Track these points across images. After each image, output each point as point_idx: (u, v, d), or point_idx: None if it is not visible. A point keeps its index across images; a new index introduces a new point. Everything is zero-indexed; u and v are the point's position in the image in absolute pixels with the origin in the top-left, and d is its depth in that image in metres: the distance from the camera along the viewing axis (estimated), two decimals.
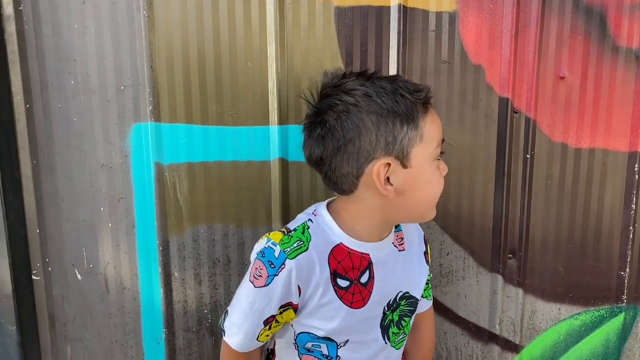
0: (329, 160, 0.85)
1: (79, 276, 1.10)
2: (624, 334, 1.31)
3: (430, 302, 1.09)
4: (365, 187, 0.85)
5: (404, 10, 1.10)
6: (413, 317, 1.01)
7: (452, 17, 1.12)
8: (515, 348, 1.28)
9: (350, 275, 0.89)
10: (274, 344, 1.00)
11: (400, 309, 0.96)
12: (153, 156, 1.07)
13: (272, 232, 0.90)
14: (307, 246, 0.87)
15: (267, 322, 0.88)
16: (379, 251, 0.91)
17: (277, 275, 0.85)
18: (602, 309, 1.29)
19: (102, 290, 1.11)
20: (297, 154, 1.12)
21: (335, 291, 0.88)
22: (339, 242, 0.89)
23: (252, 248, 1.13)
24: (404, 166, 0.84)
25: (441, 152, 0.90)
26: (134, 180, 1.08)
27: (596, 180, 1.23)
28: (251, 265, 0.89)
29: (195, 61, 1.05)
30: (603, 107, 1.19)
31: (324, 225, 0.90)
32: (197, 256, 1.12)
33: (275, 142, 1.10)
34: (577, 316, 1.29)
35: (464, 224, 1.21)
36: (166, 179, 1.08)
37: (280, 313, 0.88)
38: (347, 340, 0.92)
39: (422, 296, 1.02)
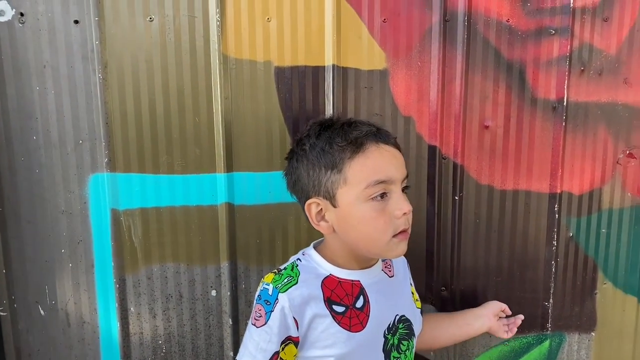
0: (295, 197, 1.02)
1: (42, 312, 1.20)
2: (550, 358, 1.42)
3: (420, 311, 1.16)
4: (318, 228, 0.98)
5: (338, 70, 1.20)
6: (412, 341, 1.07)
7: (383, 74, 1.23)
8: None
9: (345, 301, 0.97)
10: None
11: (399, 332, 1.04)
12: (109, 203, 1.17)
13: (266, 275, 0.98)
14: (296, 280, 0.95)
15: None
16: (368, 277, 1.01)
17: (273, 311, 0.92)
18: (529, 336, 1.40)
19: (63, 324, 1.21)
20: (242, 198, 1.23)
21: (333, 316, 0.95)
22: (328, 273, 0.98)
23: (202, 284, 1.25)
24: (334, 205, 0.95)
25: (404, 188, 0.98)
26: (92, 225, 1.18)
27: (520, 218, 1.34)
28: (252, 311, 0.97)
29: (147, 117, 1.15)
30: (525, 152, 1.31)
31: (312, 262, 1.00)
32: (152, 292, 1.22)
33: (223, 187, 1.20)
34: (507, 343, 1.39)
35: None
36: (122, 223, 1.18)
37: (283, 349, 0.93)
38: None
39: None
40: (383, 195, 0.94)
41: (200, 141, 1.18)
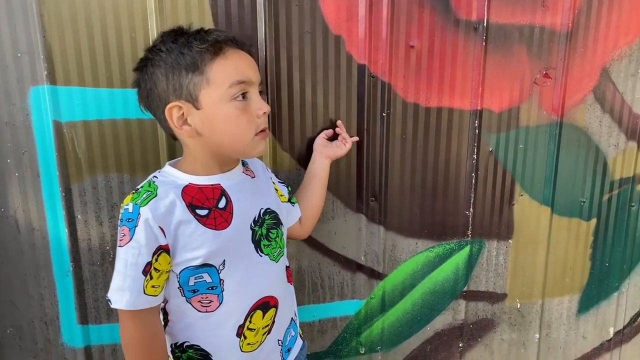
0: (148, 109, 1.03)
1: None
2: (471, 263, 1.56)
3: (298, 205, 1.27)
4: (180, 132, 1.01)
5: None
6: (280, 229, 1.15)
7: None
8: (379, 276, 1.52)
9: (207, 204, 1.02)
10: (165, 304, 1.05)
11: (266, 223, 1.11)
12: (51, 115, 1.22)
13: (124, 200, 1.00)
14: (155, 193, 0.98)
15: (146, 271, 0.95)
16: (229, 180, 1.06)
17: (137, 226, 0.94)
18: (451, 242, 1.53)
19: (13, 230, 1.28)
20: None
21: (197, 220, 0.99)
22: (187, 182, 1.02)
23: None
24: (197, 108, 0.98)
25: (261, 92, 1.04)
26: (36, 136, 1.24)
27: (443, 134, 1.44)
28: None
29: (84, 33, 1.19)
30: (448, 72, 1.39)
31: (169, 176, 1.03)
32: (97, 201, 1.30)
33: None
34: (431, 249, 1.53)
35: (331, 174, 1.38)
36: (65, 135, 1.25)
37: (156, 260, 0.96)
38: (224, 261, 1.02)
39: (291, 202, 1.24)
40: (244, 96, 1.00)
41: (136, 57, 1.22)
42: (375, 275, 1.52)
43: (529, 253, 1.59)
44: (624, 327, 1.70)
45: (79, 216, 1.30)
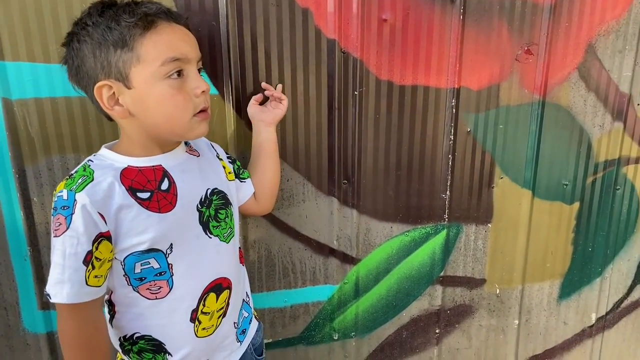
0: (79, 87, 0.96)
1: None
2: (448, 247, 1.51)
3: (250, 180, 1.21)
4: (112, 113, 0.95)
5: None
6: (230, 209, 1.09)
7: None
8: (352, 260, 1.47)
9: (148, 187, 0.96)
10: (110, 295, 1.01)
11: (214, 203, 1.06)
12: (0, 92, 1.17)
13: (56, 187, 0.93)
14: (92, 177, 0.92)
15: (87, 261, 0.89)
16: (171, 160, 1.00)
17: (74, 214, 0.88)
18: (427, 226, 1.48)
19: None
20: None
21: (139, 204, 0.94)
22: (125, 165, 0.96)
23: None
24: (128, 87, 0.91)
25: (199, 70, 0.97)
26: None
27: (419, 114, 1.38)
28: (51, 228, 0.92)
29: (31, 2, 1.13)
30: (423, 47, 1.32)
31: (106, 159, 0.97)
32: (54, 183, 1.24)
33: None
34: (407, 233, 1.48)
35: (301, 155, 1.34)
36: (16, 114, 1.19)
37: (97, 248, 0.90)
38: (172, 245, 0.97)
39: (241, 179, 1.18)
40: (180, 73, 0.93)
41: None
42: (348, 259, 1.47)
43: (509, 237, 1.53)
44: (607, 313, 1.66)
45: (34, 199, 1.25)
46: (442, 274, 1.53)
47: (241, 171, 1.21)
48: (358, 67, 1.31)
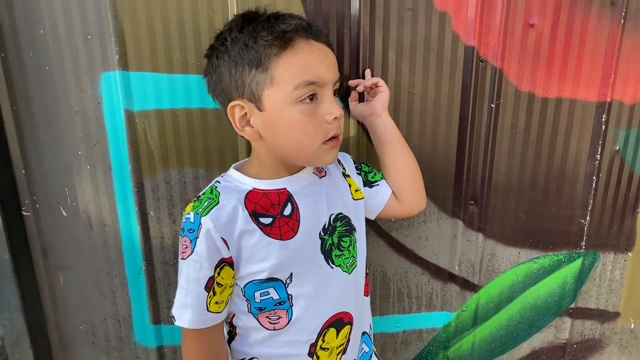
0: (216, 101, 0.93)
1: (64, 213, 1.20)
2: (581, 277, 1.36)
3: (385, 181, 1.08)
4: (243, 134, 0.90)
5: None
6: (354, 236, 1.01)
7: None
8: (473, 287, 1.35)
9: (271, 212, 0.91)
10: (232, 318, 0.98)
11: (337, 230, 0.98)
12: (123, 103, 1.12)
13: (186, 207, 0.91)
14: (217, 201, 0.89)
15: (208, 287, 0.88)
16: (295, 183, 0.94)
17: (198, 238, 0.86)
18: (560, 253, 1.34)
19: (85, 226, 1.21)
20: None
21: (261, 229, 0.89)
22: (251, 188, 0.92)
23: None
24: (260, 109, 0.86)
25: (335, 91, 0.89)
26: (107, 126, 1.14)
27: (562, 130, 1.23)
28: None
29: (157, 11, 1.07)
30: (573, 56, 1.17)
31: (233, 181, 0.93)
32: (170, 197, 1.20)
33: None
34: (536, 260, 1.34)
35: (426, 171, 1.22)
36: (137, 125, 1.14)
37: (219, 273, 0.88)
38: (291, 274, 0.92)
39: (370, 186, 1.06)
40: (313, 98, 0.86)
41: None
42: (469, 286, 1.35)
43: None
44: None
45: (151, 213, 1.21)
46: (572, 305, 1.38)
47: (371, 175, 1.09)
48: (497, 77, 1.18)
